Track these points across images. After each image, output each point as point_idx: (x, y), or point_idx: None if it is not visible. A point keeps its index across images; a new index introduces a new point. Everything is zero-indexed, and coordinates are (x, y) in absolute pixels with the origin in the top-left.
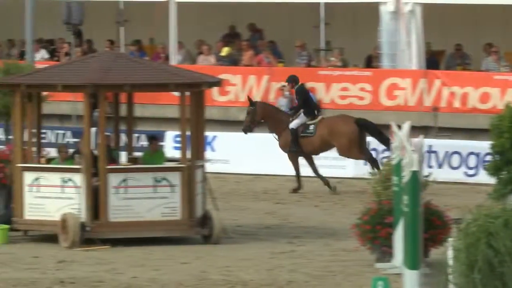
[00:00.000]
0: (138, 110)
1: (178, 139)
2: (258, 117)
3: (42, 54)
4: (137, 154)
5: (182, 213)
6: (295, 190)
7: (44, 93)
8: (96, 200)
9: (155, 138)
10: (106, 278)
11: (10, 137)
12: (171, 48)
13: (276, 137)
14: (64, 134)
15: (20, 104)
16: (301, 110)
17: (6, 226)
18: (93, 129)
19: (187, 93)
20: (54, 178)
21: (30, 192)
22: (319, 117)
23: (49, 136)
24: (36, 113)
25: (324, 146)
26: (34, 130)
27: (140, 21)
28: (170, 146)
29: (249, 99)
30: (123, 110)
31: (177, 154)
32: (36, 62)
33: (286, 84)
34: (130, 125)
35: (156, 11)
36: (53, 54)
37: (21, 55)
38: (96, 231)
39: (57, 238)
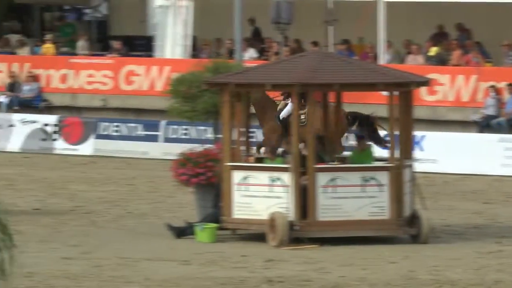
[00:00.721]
0: (346, 109)
1: (387, 138)
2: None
3: (251, 53)
4: (346, 153)
5: (390, 212)
6: None
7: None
8: (304, 199)
9: (363, 138)
10: (314, 277)
11: (219, 136)
12: (379, 48)
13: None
14: None
15: (229, 103)
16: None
17: (215, 225)
18: None
19: (396, 93)
20: (263, 177)
21: (238, 191)
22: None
23: (258, 135)
24: (245, 112)
25: None
26: (243, 129)
27: (349, 20)
28: None
29: None
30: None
31: (385, 153)
32: (244, 61)
33: (494, 84)
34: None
35: (364, 10)
36: (262, 53)
37: (230, 54)
38: (304, 230)
39: (264, 237)
